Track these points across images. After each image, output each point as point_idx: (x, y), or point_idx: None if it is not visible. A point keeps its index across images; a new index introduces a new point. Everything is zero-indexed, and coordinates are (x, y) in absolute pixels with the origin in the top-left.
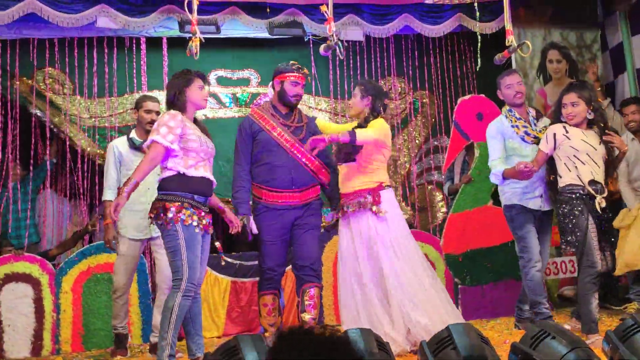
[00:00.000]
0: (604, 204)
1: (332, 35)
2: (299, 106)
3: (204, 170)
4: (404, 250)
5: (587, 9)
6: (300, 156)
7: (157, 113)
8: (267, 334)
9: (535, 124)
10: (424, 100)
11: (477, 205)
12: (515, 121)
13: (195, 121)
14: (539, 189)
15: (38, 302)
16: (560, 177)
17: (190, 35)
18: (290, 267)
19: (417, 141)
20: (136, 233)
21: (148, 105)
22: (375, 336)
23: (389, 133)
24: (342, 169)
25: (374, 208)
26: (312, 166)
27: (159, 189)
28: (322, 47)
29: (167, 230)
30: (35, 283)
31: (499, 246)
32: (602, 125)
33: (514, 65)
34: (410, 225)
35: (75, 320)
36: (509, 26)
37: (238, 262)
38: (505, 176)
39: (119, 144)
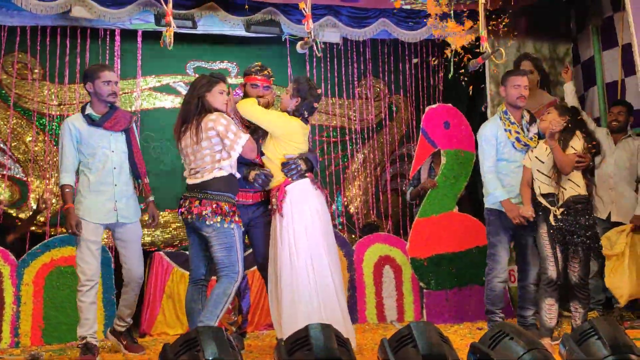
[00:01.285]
0: (558, 215)
1: (310, 32)
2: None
3: (236, 171)
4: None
5: (560, 23)
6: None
7: (116, 83)
8: (228, 333)
9: (527, 130)
10: (399, 105)
11: (442, 211)
12: (509, 125)
13: None
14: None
15: None
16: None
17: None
18: (255, 268)
19: (390, 146)
20: (101, 216)
21: (106, 76)
22: (334, 331)
23: (296, 130)
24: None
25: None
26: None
27: (206, 187)
28: (298, 45)
29: (223, 228)
30: None
31: (464, 252)
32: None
33: (487, 75)
34: (380, 229)
35: (36, 313)
36: (483, 33)
37: None
38: (502, 205)
39: (76, 122)
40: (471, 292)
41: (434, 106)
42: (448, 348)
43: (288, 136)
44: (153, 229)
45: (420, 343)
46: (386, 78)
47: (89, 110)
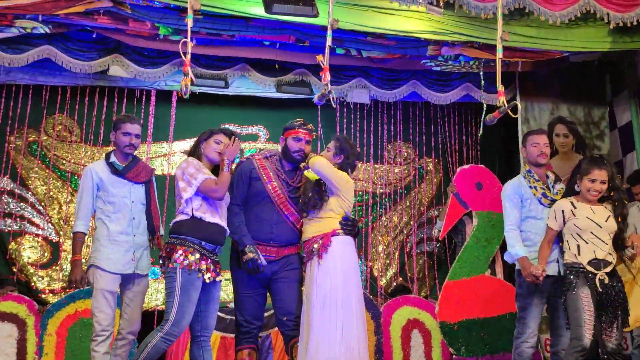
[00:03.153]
0: (606, 280)
1: (327, 84)
2: None
3: (219, 218)
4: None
5: (595, 86)
6: (287, 214)
7: (137, 136)
8: None
9: (553, 187)
10: (429, 168)
11: (474, 274)
12: (534, 182)
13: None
14: (554, 252)
15: (21, 343)
16: (564, 252)
17: (200, 90)
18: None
19: (420, 208)
20: (120, 267)
21: (127, 128)
22: None
23: (352, 187)
24: None
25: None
26: (299, 226)
27: (171, 232)
28: (316, 97)
29: (167, 272)
30: (20, 324)
31: (496, 317)
32: (619, 203)
33: (519, 134)
34: (408, 291)
35: None
36: (500, 87)
37: (229, 317)
38: (519, 262)
39: (98, 169)
40: (504, 359)
41: (466, 167)
42: None
43: (347, 193)
44: None
45: None
46: (417, 139)
47: (113, 159)
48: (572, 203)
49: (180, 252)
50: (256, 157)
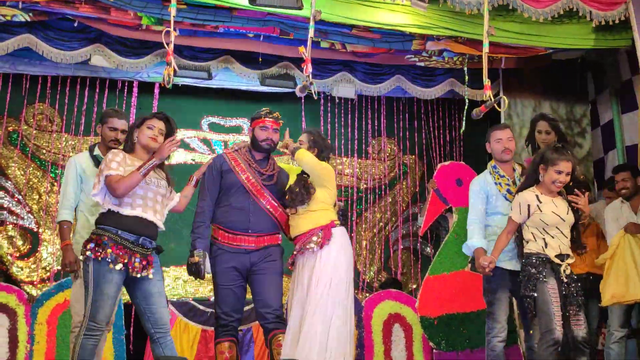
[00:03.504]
0: (568, 271)
1: (309, 76)
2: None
3: (142, 211)
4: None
5: (578, 84)
6: (264, 202)
7: (123, 132)
8: None
9: (519, 181)
10: (410, 164)
11: (454, 269)
12: (499, 178)
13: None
14: (516, 249)
15: (12, 332)
16: (527, 242)
17: (183, 81)
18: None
19: (402, 204)
20: None
21: (114, 122)
22: None
23: (334, 177)
24: None
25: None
26: (276, 214)
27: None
28: (297, 89)
29: (83, 263)
30: (11, 313)
31: (476, 312)
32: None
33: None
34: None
35: (48, 352)
36: (487, 82)
37: (210, 310)
38: (474, 253)
39: (81, 160)
40: (483, 354)
41: (446, 163)
42: None
43: (332, 183)
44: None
45: None
46: (400, 135)
47: (97, 152)
48: (537, 196)
49: (93, 241)
50: (226, 152)
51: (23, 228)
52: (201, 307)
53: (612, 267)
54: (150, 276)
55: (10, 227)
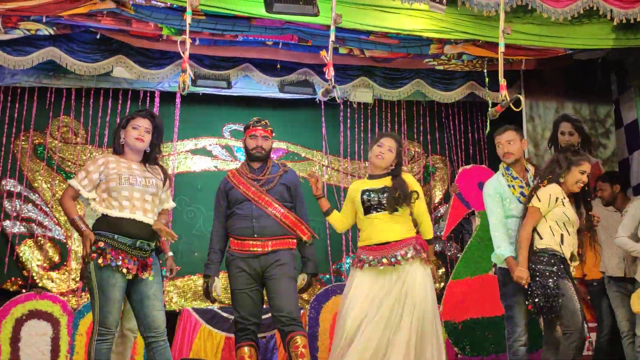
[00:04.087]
0: (573, 273)
1: (331, 79)
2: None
3: (129, 212)
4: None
5: (601, 84)
6: (266, 206)
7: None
8: None
9: (533, 182)
10: (438, 165)
11: (478, 273)
12: (512, 181)
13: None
14: None
15: (55, 341)
16: (541, 237)
17: (203, 90)
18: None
19: (430, 206)
20: None
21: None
22: None
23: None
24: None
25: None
26: (283, 218)
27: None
28: (320, 93)
29: (85, 270)
30: (55, 322)
31: (501, 317)
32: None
33: (525, 135)
34: None
35: None
36: (502, 81)
37: (232, 317)
38: (506, 263)
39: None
40: None
41: (467, 167)
42: None
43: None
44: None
45: None
46: (421, 138)
47: None
48: (562, 192)
49: (93, 248)
50: (229, 172)
51: (52, 240)
52: (224, 315)
53: None
54: (151, 278)
55: (39, 239)
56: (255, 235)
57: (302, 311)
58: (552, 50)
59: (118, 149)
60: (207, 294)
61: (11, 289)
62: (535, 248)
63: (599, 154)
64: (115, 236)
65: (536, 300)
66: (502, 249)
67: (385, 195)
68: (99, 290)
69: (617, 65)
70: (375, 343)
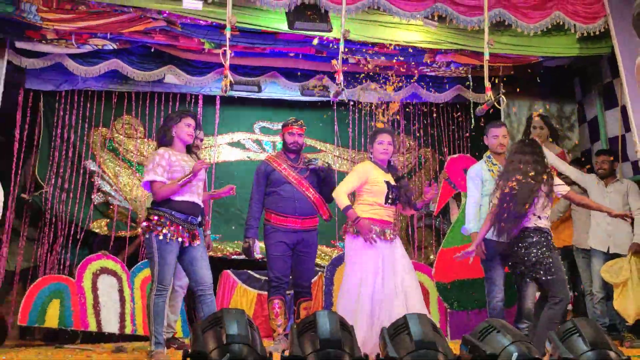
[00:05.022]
0: None
1: (340, 83)
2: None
3: (189, 196)
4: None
5: (567, 86)
6: (304, 190)
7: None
8: (275, 334)
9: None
10: (427, 157)
11: (465, 242)
12: (492, 166)
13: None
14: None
15: (121, 292)
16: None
17: (238, 94)
18: None
19: (421, 189)
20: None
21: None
22: (339, 317)
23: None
24: None
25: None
26: (314, 199)
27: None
28: (332, 94)
29: (146, 238)
30: (118, 278)
31: (483, 278)
32: None
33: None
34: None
35: (144, 309)
36: (487, 84)
37: (264, 277)
38: (471, 236)
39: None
40: None
41: (455, 156)
42: (439, 337)
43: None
44: None
45: (413, 331)
46: (416, 133)
47: None
48: None
49: (154, 220)
50: (268, 157)
51: (120, 208)
52: (257, 275)
53: (629, 290)
54: (198, 243)
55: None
56: (296, 214)
57: (319, 273)
58: (526, 58)
59: (168, 141)
60: (249, 252)
61: (96, 231)
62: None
63: (564, 145)
64: (173, 212)
65: (537, 270)
66: (471, 226)
67: (398, 193)
68: (158, 256)
69: (580, 71)
70: None
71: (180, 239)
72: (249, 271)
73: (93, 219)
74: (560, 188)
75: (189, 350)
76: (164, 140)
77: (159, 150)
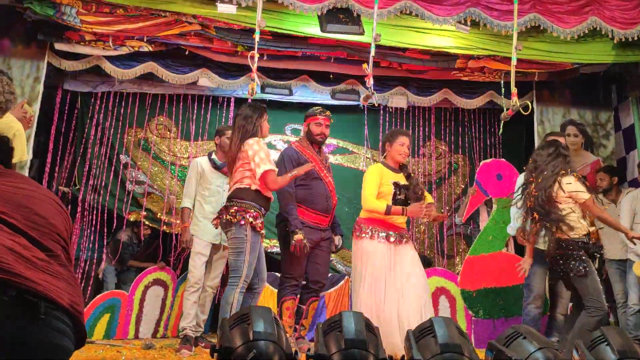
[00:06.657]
0: None
1: (370, 88)
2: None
3: (270, 193)
4: None
5: (602, 93)
6: (331, 189)
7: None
8: (287, 334)
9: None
10: (459, 162)
11: (492, 250)
12: None
13: None
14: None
15: (164, 301)
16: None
17: (270, 97)
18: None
19: (454, 196)
20: (211, 237)
21: (228, 134)
22: (365, 318)
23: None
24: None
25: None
26: (335, 199)
27: (234, 197)
28: (362, 98)
29: (237, 230)
30: (165, 287)
31: (511, 287)
32: None
33: (536, 140)
34: (433, 264)
35: (178, 314)
36: (513, 90)
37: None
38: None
39: (202, 162)
40: (517, 322)
41: (487, 161)
42: (465, 341)
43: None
44: None
45: (439, 334)
46: (446, 139)
47: (214, 157)
48: None
49: (250, 214)
50: (294, 145)
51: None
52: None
53: None
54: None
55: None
56: (327, 213)
57: (345, 277)
58: (561, 65)
59: (254, 134)
60: (303, 247)
61: (131, 219)
62: (571, 238)
63: (599, 153)
64: (261, 208)
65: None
66: (518, 223)
67: (407, 192)
68: (250, 249)
69: (617, 77)
70: None
71: (260, 236)
72: (275, 274)
73: (129, 210)
74: (579, 195)
75: (217, 346)
76: (252, 133)
77: (260, 141)
